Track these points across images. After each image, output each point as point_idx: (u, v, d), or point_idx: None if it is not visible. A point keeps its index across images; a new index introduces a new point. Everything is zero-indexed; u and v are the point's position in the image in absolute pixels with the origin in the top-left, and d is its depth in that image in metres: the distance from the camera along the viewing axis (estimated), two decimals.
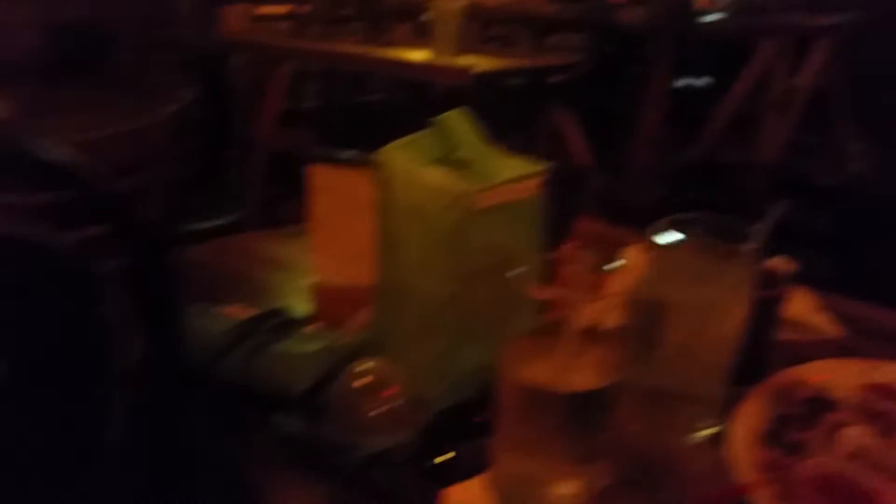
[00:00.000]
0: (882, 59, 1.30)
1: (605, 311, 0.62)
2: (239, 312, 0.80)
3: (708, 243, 0.67)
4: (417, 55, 3.15)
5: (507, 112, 4.23)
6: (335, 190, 0.93)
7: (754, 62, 3.76)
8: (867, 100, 1.38)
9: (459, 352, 0.68)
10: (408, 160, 0.68)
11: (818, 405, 0.72)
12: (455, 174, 0.66)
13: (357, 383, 0.65)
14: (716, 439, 0.68)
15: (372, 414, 0.64)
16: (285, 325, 0.76)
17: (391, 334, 0.74)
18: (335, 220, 0.95)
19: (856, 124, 1.53)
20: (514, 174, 0.67)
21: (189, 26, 4.23)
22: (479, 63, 2.94)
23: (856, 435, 0.69)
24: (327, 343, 0.75)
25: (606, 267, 0.60)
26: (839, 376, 0.76)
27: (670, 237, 0.67)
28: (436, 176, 0.66)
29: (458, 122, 0.67)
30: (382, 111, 5.18)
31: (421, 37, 3.39)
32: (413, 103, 4.58)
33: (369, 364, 0.67)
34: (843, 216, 1.42)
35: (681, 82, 4.56)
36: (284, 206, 1.03)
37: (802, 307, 0.95)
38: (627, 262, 0.91)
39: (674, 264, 0.66)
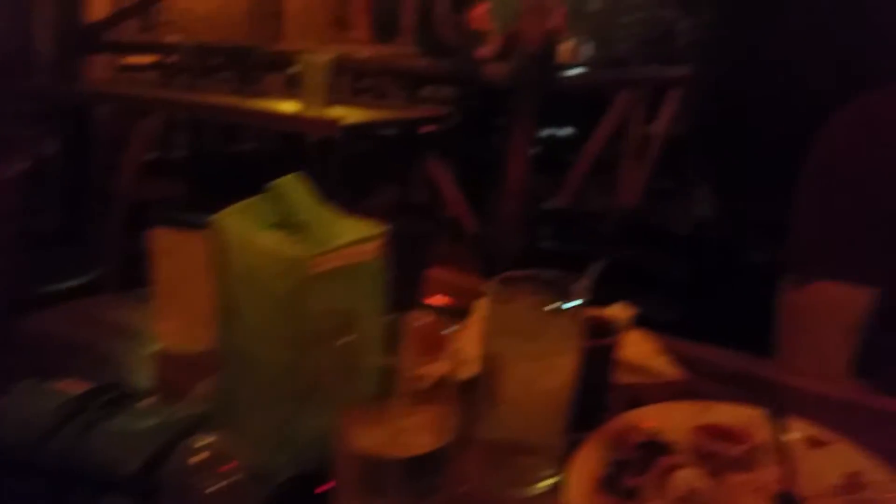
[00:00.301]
0: (727, 107, 1.43)
1: (446, 370, 0.63)
2: (72, 387, 0.76)
3: (540, 298, 0.70)
4: (287, 106, 3.15)
5: (381, 162, 4.28)
6: (178, 253, 0.91)
7: (612, 112, 3.99)
8: (714, 147, 1.50)
9: (301, 421, 0.67)
10: (244, 225, 0.68)
11: (652, 449, 0.75)
12: (291, 239, 0.66)
13: (193, 459, 0.63)
14: (556, 489, 0.70)
15: (209, 491, 0.62)
16: (121, 399, 0.73)
17: (232, 404, 0.72)
18: (179, 284, 0.93)
19: (702, 171, 1.65)
20: (353, 237, 0.68)
21: (52, 76, 4.05)
22: (348, 115, 2.96)
23: (687, 477, 0.72)
24: (164, 417, 0.72)
25: (446, 331, 0.62)
26: (672, 419, 0.80)
27: (504, 293, 0.70)
28: (271, 241, 0.66)
29: (294, 187, 0.68)
30: (255, 161, 5.12)
31: (292, 88, 3.39)
32: (286, 153, 4.55)
33: (207, 438, 0.65)
34: (691, 260, 1.50)
35: (545, 132, 4.78)
36: (145, 264, 1.00)
37: (643, 351, 1.00)
38: (475, 317, 0.93)
39: (505, 320, 0.69)
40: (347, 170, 4.22)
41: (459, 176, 4.40)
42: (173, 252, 0.92)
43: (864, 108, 1.06)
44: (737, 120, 1.46)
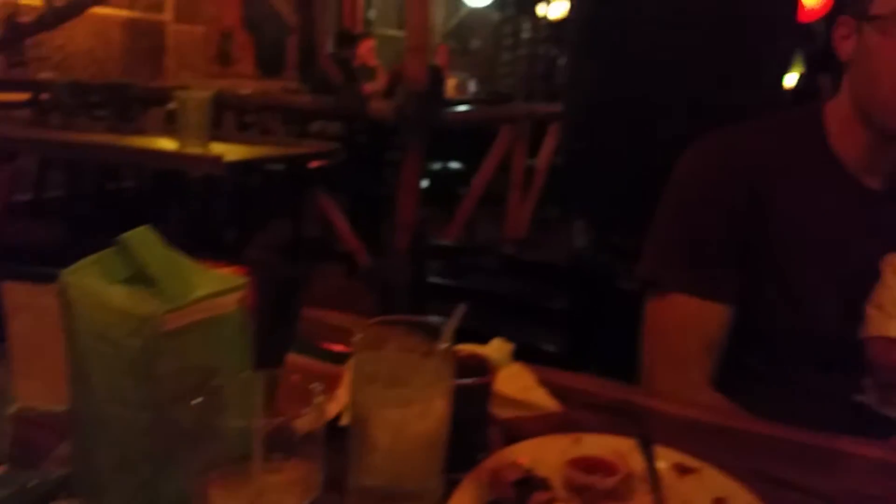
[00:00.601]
0: (593, 142, 1.48)
1: (313, 423, 0.62)
2: None
3: (407, 342, 0.70)
4: (166, 143, 3.05)
5: (271, 198, 4.21)
6: (32, 308, 0.85)
7: (496, 146, 4.09)
8: (584, 180, 1.55)
9: (161, 484, 0.64)
10: (93, 280, 0.64)
11: (528, 486, 0.76)
12: (143, 294, 0.63)
13: None
14: None
15: None
16: None
17: (90, 468, 0.68)
18: (36, 340, 0.87)
19: (576, 204, 1.70)
20: (210, 290, 0.65)
21: None
22: (231, 151, 2.90)
23: None
24: (18, 486, 0.68)
25: (314, 384, 0.60)
26: (546, 454, 0.81)
27: (370, 339, 0.69)
28: (121, 297, 0.63)
29: (144, 239, 0.65)
30: (136, 199, 4.93)
31: (172, 124, 3.29)
32: (167, 191, 4.41)
33: None
34: (573, 293, 1.54)
35: (436, 166, 4.85)
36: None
37: (520, 385, 1.01)
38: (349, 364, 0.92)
39: (372, 366, 0.68)
40: (235, 206, 4.14)
41: (352, 210, 4.40)
42: (28, 307, 0.86)
43: (718, 140, 1.12)
44: (602, 154, 1.52)
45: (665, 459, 0.81)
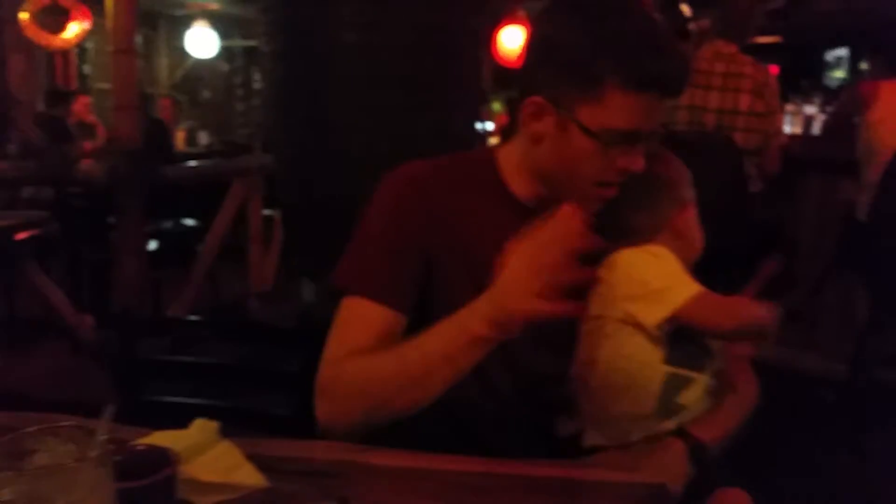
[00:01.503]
0: (303, 191, 1.49)
1: None
2: None
3: (61, 451, 0.63)
4: None
5: None
6: None
7: (229, 199, 3.96)
8: (310, 234, 1.55)
9: None
10: None
11: None
12: None
13: None
14: None
15: None
16: None
17: None
18: None
19: (302, 258, 1.70)
20: None
21: None
22: None
23: None
24: None
25: None
26: None
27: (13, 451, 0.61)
28: None
29: None
30: None
31: None
32: None
33: None
34: (304, 351, 1.51)
35: (168, 224, 4.58)
36: None
37: (226, 465, 0.96)
38: None
39: (12, 488, 0.60)
40: None
41: (75, 280, 4.01)
42: None
43: (405, 171, 1.19)
44: (314, 207, 1.53)
45: None
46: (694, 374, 1.12)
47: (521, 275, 0.97)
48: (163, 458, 0.77)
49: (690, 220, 1.18)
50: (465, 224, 1.15)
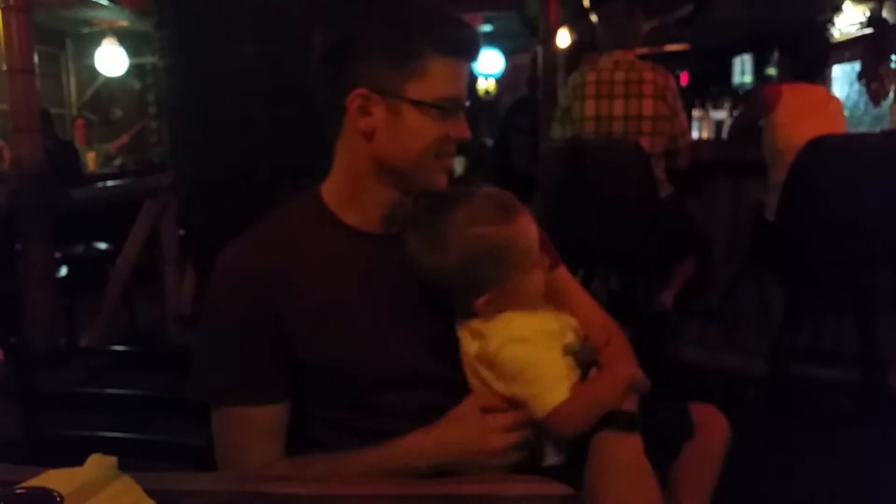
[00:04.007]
0: (215, 213, 1.44)
1: None
2: None
3: None
4: None
5: None
6: None
7: (140, 220, 3.82)
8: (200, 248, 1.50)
9: None
10: None
11: None
12: None
13: None
14: None
15: None
16: None
17: None
18: None
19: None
20: None
21: None
22: None
23: None
24: None
25: None
26: None
27: None
28: None
29: None
30: None
31: None
32: None
33: None
34: None
35: (79, 249, 4.40)
36: None
37: (125, 502, 0.91)
38: None
39: None
40: None
41: None
42: None
43: (232, 258, 1.16)
44: (219, 226, 1.47)
45: None
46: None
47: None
48: (47, 501, 0.71)
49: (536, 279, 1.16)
50: (309, 270, 1.13)
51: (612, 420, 1.07)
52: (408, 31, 1.08)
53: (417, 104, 1.09)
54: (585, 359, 1.14)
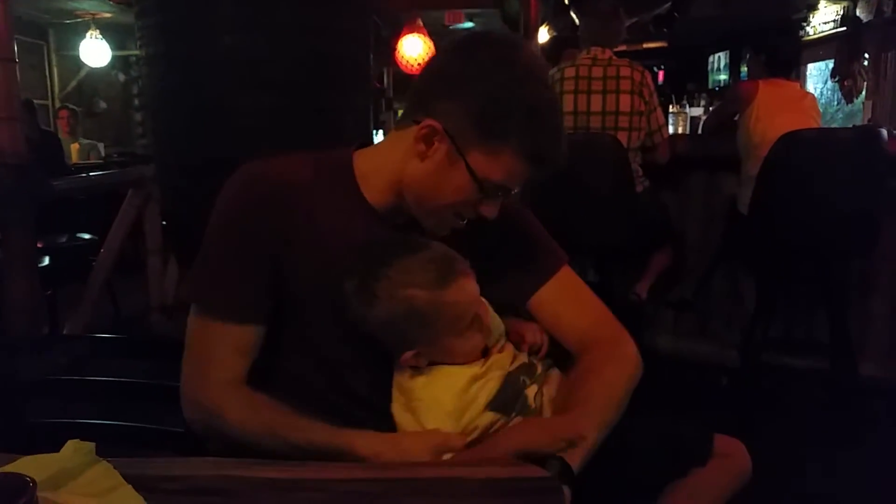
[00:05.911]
0: (198, 203, 1.45)
1: None
2: None
3: None
4: None
5: None
6: None
7: (123, 211, 3.82)
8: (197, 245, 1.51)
9: None
10: None
11: None
12: None
13: None
14: None
15: None
16: None
17: None
18: None
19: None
20: None
21: None
22: None
23: None
24: None
25: None
26: None
27: None
28: None
29: None
30: None
31: None
32: None
33: None
34: None
35: (62, 239, 4.39)
36: None
37: (103, 487, 0.92)
38: None
39: None
40: None
41: None
42: None
43: (250, 169, 1.18)
44: (196, 209, 1.49)
45: None
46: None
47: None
48: (20, 487, 0.73)
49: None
50: (315, 221, 1.15)
51: (547, 464, 1.03)
52: (507, 114, 1.07)
53: (472, 171, 1.10)
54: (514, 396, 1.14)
